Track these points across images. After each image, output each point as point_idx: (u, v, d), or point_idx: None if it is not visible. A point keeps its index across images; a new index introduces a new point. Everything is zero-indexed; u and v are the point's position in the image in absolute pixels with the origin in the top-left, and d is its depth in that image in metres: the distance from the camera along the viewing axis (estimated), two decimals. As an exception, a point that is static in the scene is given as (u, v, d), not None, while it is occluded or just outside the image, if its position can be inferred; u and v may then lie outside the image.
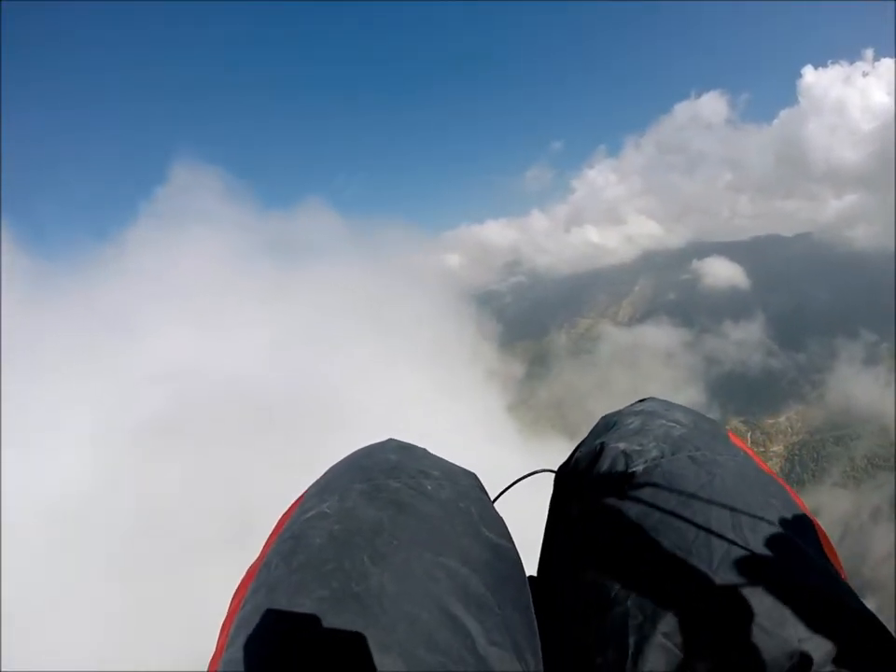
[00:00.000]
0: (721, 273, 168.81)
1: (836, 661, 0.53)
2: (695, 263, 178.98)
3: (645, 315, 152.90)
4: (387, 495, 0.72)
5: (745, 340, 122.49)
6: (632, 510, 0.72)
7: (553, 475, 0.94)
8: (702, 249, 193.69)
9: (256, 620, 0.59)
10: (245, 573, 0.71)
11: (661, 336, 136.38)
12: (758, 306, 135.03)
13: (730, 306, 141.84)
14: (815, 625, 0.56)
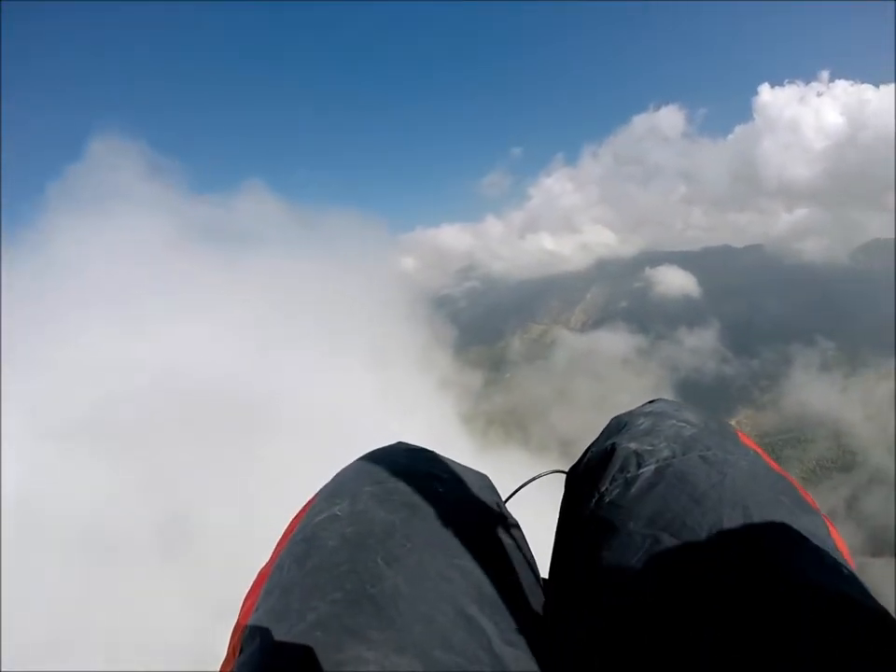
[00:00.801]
0: (674, 281, 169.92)
1: (851, 658, 0.52)
2: (648, 271, 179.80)
3: (598, 321, 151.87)
4: (399, 497, 0.72)
5: (699, 347, 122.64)
6: (644, 510, 0.71)
7: (565, 476, 0.94)
8: (654, 258, 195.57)
9: (270, 622, 0.59)
10: (255, 576, 0.70)
11: (616, 342, 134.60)
12: (711, 314, 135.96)
13: (683, 314, 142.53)
14: (828, 623, 0.55)
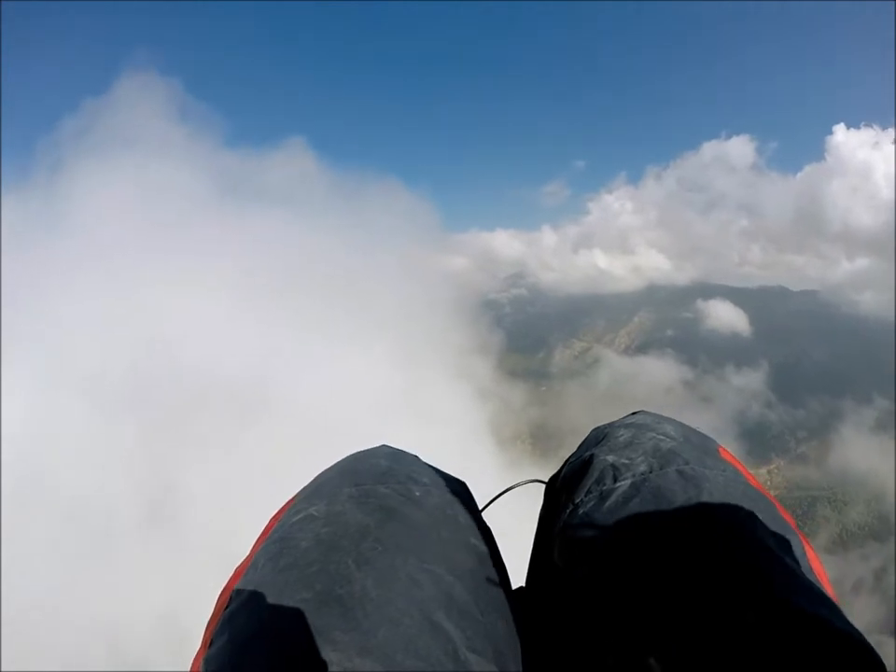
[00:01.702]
0: (725, 316, 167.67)
1: None
2: (700, 303, 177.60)
3: (642, 346, 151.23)
4: (376, 500, 0.72)
5: (745, 387, 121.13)
6: (619, 524, 0.71)
7: (544, 486, 0.94)
8: (707, 290, 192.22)
9: (239, 619, 0.59)
10: (232, 573, 0.71)
11: (661, 369, 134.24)
12: (760, 355, 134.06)
13: (731, 351, 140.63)
14: (798, 643, 0.55)
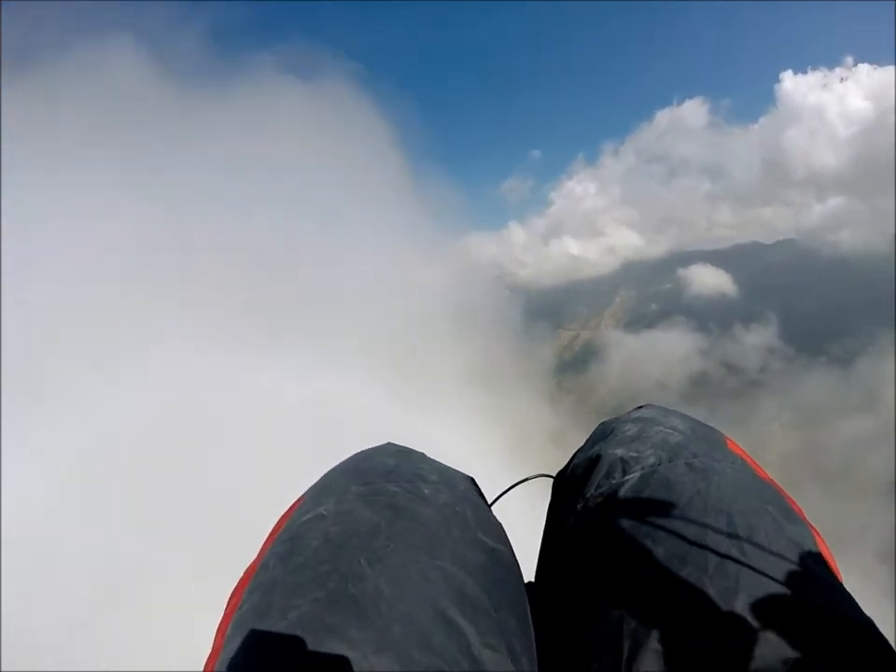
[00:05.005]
0: (708, 280, 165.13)
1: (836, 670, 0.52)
2: (679, 272, 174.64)
3: (630, 324, 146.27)
4: (384, 498, 0.72)
5: (760, 343, 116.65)
6: (628, 517, 0.72)
7: (552, 481, 0.95)
8: (684, 258, 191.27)
9: (252, 620, 0.59)
10: (242, 574, 0.71)
11: (672, 342, 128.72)
12: (770, 311, 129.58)
13: (731, 312, 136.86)
14: (811, 634, 0.55)
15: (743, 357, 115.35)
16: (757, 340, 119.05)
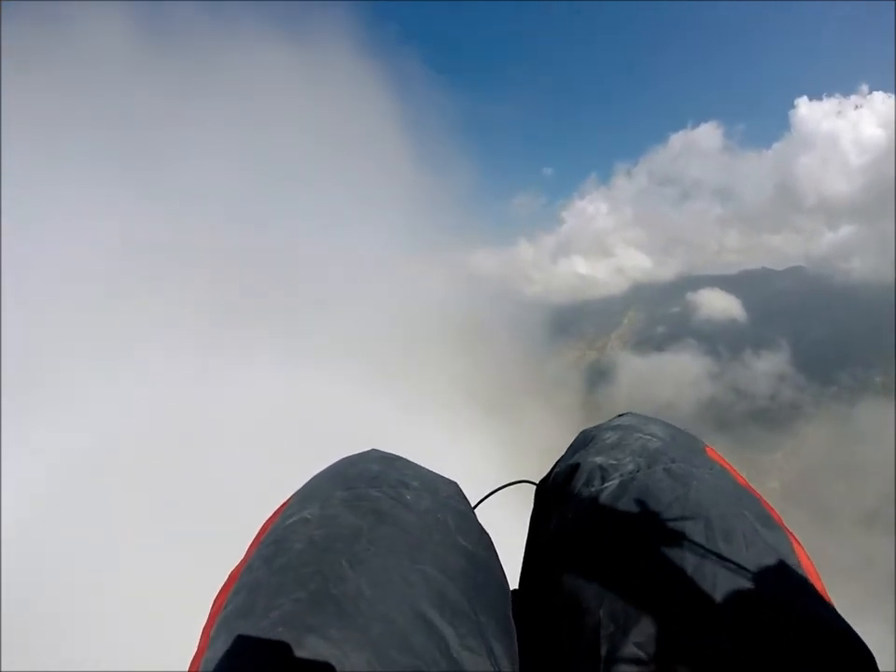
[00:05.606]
0: (717, 304, 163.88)
1: None
2: (689, 296, 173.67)
3: (637, 346, 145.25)
4: (368, 503, 0.73)
5: (771, 370, 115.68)
6: (607, 524, 0.72)
7: (535, 488, 0.96)
8: (692, 282, 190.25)
9: (236, 620, 0.60)
10: (227, 576, 0.72)
11: (681, 365, 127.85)
12: (782, 337, 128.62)
13: (741, 337, 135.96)
14: (787, 637, 0.55)
15: (753, 382, 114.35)
16: (768, 366, 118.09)
